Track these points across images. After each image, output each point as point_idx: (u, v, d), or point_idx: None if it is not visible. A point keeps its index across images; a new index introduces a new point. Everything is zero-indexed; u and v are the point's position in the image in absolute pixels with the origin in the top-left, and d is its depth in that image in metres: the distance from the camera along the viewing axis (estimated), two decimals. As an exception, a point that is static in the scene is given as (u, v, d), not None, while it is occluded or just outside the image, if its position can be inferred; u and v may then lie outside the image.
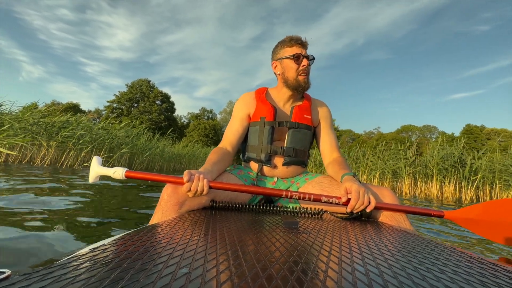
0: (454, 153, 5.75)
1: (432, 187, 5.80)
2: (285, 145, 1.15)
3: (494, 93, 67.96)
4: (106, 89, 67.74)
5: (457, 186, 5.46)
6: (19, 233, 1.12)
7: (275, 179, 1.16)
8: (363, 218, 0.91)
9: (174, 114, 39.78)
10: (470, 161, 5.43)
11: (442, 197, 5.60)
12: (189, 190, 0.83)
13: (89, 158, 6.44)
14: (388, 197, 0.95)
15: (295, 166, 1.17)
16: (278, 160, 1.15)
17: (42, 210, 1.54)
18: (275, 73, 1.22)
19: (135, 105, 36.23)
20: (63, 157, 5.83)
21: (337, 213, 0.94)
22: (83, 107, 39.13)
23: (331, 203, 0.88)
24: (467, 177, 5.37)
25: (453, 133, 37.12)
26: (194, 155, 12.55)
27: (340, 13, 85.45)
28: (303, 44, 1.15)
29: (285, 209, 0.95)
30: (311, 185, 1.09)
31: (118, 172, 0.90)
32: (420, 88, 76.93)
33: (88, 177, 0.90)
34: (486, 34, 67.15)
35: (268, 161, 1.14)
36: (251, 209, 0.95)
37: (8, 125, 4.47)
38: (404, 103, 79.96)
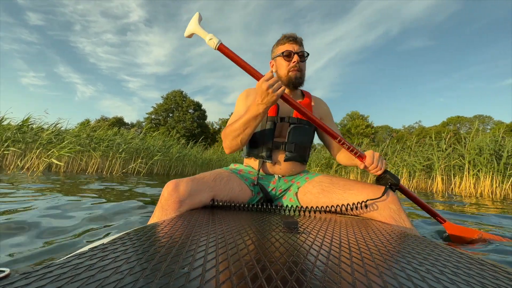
0: (489, 145, 5.26)
1: (466, 182, 5.38)
2: (286, 141, 1.15)
3: None
4: (146, 102, 73.77)
5: (493, 181, 4.98)
6: (18, 231, 1.13)
7: (276, 177, 1.16)
8: (393, 187, 0.96)
9: (205, 121, 41.81)
10: (507, 153, 4.93)
11: (476, 194, 5.16)
12: (267, 81, 0.89)
13: (128, 165, 7.35)
14: (390, 197, 0.94)
15: (296, 163, 1.17)
16: (280, 156, 1.15)
17: (42, 210, 1.54)
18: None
19: (171, 115, 38.99)
20: (106, 165, 6.77)
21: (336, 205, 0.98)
22: (126, 119, 43.31)
23: (354, 154, 0.98)
24: (502, 171, 4.88)
25: (512, 122, 32.54)
26: (223, 159, 13.22)
27: (370, 3, 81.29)
28: (295, 41, 1.15)
29: (285, 208, 0.96)
30: (311, 184, 1.09)
31: (213, 41, 0.89)
32: (470, 75, 68.83)
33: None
34: (550, 4, 57.47)
35: (270, 156, 1.14)
36: (251, 209, 0.95)
37: (67, 141, 5.42)
38: (450, 93, 72.25)
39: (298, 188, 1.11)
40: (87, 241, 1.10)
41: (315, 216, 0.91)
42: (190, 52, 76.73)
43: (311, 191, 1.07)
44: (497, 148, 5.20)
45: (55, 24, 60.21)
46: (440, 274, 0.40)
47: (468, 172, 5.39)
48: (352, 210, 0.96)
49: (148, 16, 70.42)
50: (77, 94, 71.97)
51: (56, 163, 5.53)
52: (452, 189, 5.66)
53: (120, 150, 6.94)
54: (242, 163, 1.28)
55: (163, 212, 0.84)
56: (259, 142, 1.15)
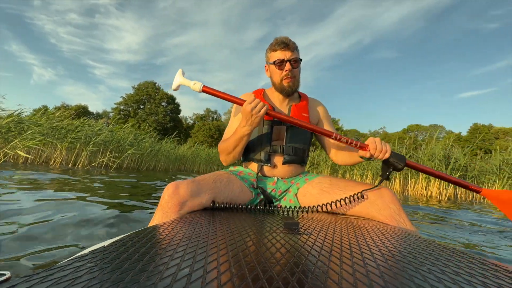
0: (440, 152, 6.00)
1: (419, 185, 6.06)
2: (284, 144, 1.14)
3: (503, 91, 66.32)
4: (114, 91, 69.35)
5: (441, 184, 5.70)
6: (19, 235, 1.12)
7: (275, 179, 1.16)
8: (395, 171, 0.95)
9: (179, 116, 40.52)
10: (454, 159, 5.69)
11: (427, 195, 5.84)
12: (250, 103, 0.96)
13: (97, 158, 6.97)
14: (387, 197, 0.95)
15: (294, 165, 1.17)
16: (278, 159, 1.15)
17: (41, 212, 1.52)
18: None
19: (142, 106, 37.08)
20: (72, 158, 6.35)
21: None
22: (91, 109, 40.53)
23: (355, 145, 0.97)
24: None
25: (460, 132, 36.81)
26: (197, 156, 13.03)
27: (346, 13, 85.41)
28: (287, 47, 1.11)
29: (285, 209, 0.97)
30: (311, 185, 1.09)
31: (197, 85, 1.02)
32: (428, 87, 76.24)
33: None
34: (496, 31, 65.91)
35: (268, 160, 1.13)
36: (252, 210, 0.96)
37: (31, 131, 4.99)
38: (411, 103, 79.23)
39: (298, 189, 1.11)
40: (87, 244, 1.09)
41: (315, 217, 0.91)
42: (166, 42, 73.73)
43: (311, 192, 1.08)
44: (447, 155, 5.95)
45: (9, -4, 53.54)
46: (441, 274, 0.40)
47: (420, 176, 6.07)
48: (350, 203, 0.97)
49: (120, -1, 65.97)
50: (33, 76, 65.34)
51: (16, 154, 5.06)
52: (408, 190, 6.33)
53: (90, 142, 6.55)
54: (240, 165, 1.29)
55: (164, 214, 0.83)
56: (257, 146, 1.15)
